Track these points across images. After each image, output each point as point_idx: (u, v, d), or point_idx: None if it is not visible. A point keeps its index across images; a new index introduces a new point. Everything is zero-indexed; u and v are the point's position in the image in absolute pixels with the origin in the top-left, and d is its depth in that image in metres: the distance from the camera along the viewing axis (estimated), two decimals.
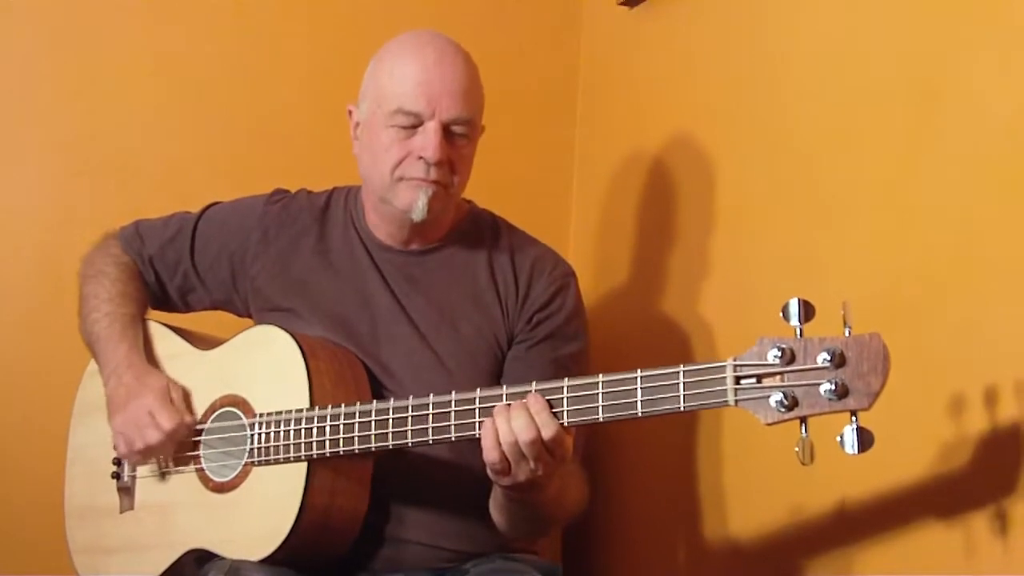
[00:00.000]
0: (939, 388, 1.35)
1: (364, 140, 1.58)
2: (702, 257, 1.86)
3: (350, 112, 1.62)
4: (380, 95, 1.54)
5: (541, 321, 1.60)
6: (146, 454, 1.54)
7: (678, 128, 1.97)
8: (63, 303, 1.74)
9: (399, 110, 1.51)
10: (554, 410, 1.27)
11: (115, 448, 1.57)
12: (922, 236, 1.42)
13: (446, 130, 1.52)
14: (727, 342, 1.77)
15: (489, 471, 1.33)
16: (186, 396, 1.58)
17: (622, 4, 2.16)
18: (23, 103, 2.05)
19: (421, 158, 1.51)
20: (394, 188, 1.54)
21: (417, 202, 1.52)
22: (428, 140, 1.50)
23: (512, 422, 1.28)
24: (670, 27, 2.05)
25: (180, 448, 1.56)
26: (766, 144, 1.74)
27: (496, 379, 1.58)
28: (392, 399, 1.41)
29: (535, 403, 1.28)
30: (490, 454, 1.30)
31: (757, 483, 1.68)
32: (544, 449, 1.28)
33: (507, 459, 1.29)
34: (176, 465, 1.57)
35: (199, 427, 1.56)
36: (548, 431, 1.27)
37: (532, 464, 1.29)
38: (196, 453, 1.55)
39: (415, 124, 1.51)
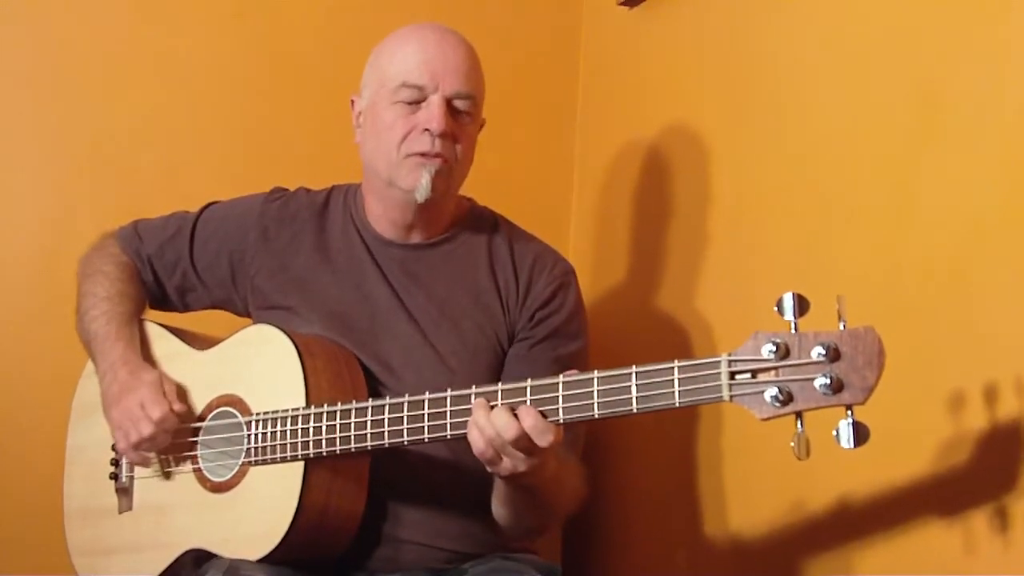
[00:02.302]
0: (939, 385, 1.34)
1: (367, 125, 1.59)
2: (702, 255, 1.85)
3: (352, 102, 1.63)
4: (383, 77, 1.56)
5: (543, 319, 1.60)
6: (141, 447, 1.53)
7: (678, 128, 1.97)
8: (63, 303, 1.74)
9: (403, 84, 1.53)
10: (549, 407, 1.27)
11: (115, 445, 1.57)
12: (922, 235, 1.42)
13: (449, 105, 1.53)
14: (727, 340, 1.77)
15: (484, 462, 1.32)
16: (180, 390, 1.57)
17: (622, 4, 2.16)
18: (23, 103, 2.05)
19: (426, 130, 1.52)
20: (400, 166, 1.54)
21: (421, 180, 1.53)
22: (432, 112, 1.52)
23: (494, 419, 1.28)
24: (670, 27, 2.05)
25: (178, 448, 1.55)
26: (766, 144, 1.74)
27: (496, 377, 1.57)
28: (388, 397, 1.41)
29: (527, 416, 1.27)
30: (476, 446, 1.30)
31: (757, 481, 1.68)
32: (532, 444, 1.27)
33: (494, 449, 1.29)
34: (174, 465, 1.57)
35: (196, 426, 1.56)
36: (544, 440, 1.27)
37: (525, 456, 1.29)
38: (194, 453, 1.55)
39: (419, 99, 1.53)
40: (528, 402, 1.28)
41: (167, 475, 1.57)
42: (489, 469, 1.33)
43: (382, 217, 1.63)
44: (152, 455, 1.56)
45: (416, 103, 1.53)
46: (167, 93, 2.12)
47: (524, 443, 1.27)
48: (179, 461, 1.56)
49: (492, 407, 1.29)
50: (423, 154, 1.53)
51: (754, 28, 1.80)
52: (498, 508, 1.51)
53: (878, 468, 1.41)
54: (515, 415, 1.27)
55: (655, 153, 2.03)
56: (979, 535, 1.28)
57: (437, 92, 1.52)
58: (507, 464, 1.30)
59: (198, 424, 1.56)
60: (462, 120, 1.55)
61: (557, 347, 1.59)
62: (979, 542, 1.28)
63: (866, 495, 1.46)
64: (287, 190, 1.73)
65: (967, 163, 1.36)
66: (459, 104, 1.54)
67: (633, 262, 2.07)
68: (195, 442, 1.55)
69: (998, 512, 1.26)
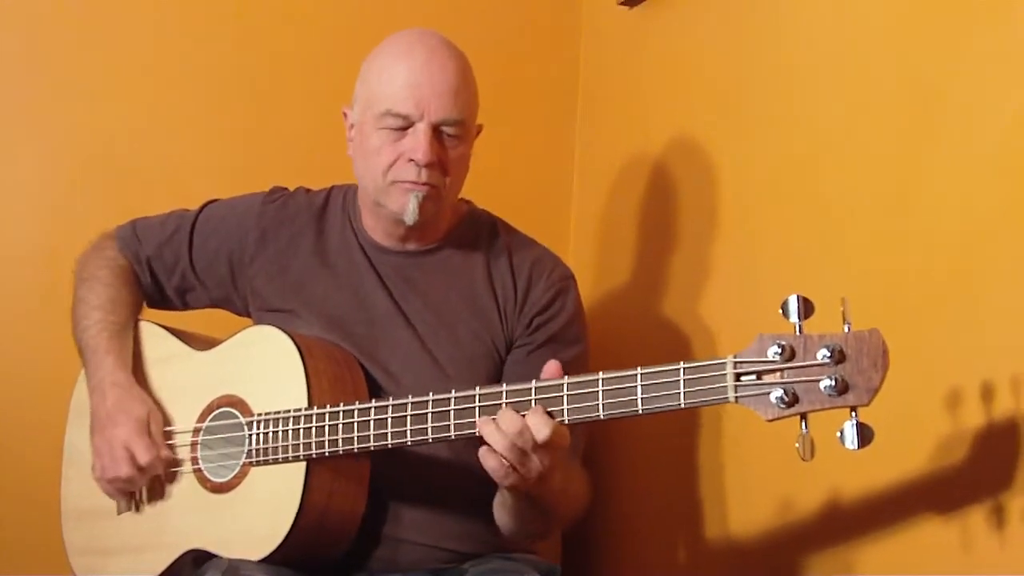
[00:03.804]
0: (937, 384, 1.35)
1: (357, 142, 1.58)
2: (702, 257, 1.86)
3: (345, 114, 1.62)
4: (370, 97, 1.54)
5: (541, 325, 1.59)
6: (116, 484, 1.54)
7: (678, 128, 1.98)
8: (63, 303, 1.73)
9: (388, 112, 1.51)
10: (554, 407, 1.27)
11: (92, 468, 1.56)
12: (922, 236, 1.42)
13: (436, 131, 1.51)
14: (728, 342, 1.77)
15: (498, 479, 1.31)
16: (166, 426, 1.57)
17: (622, 4, 2.16)
18: (22, 103, 2.05)
19: (412, 160, 1.50)
20: (387, 191, 1.54)
21: (408, 205, 1.52)
22: (418, 142, 1.49)
23: (500, 423, 1.27)
24: (670, 27, 2.05)
25: (179, 449, 1.56)
26: (767, 144, 1.74)
27: (495, 383, 1.57)
28: (391, 398, 1.41)
29: (533, 416, 1.26)
30: (488, 461, 1.29)
31: (757, 482, 1.68)
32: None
33: (508, 462, 1.28)
34: (174, 466, 1.56)
35: (197, 427, 1.56)
36: (542, 434, 1.26)
37: (535, 458, 1.28)
38: (194, 454, 1.55)
39: (405, 126, 1.51)
40: (533, 403, 1.28)
41: (167, 475, 1.57)
42: (502, 483, 1.32)
43: (376, 227, 1.63)
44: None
45: (403, 129, 1.51)
46: (167, 93, 2.11)
47: (529, 436, 1.26)
48: (179, 462, 1.56)
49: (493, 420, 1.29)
50: (411, 182, 1.51)
51: (754, 28, 1.80)
52: (502, 517, 1.51)
53: (877, 467, 1.42)
54: (520, 414, 1.27)
55: (655, 153, 2.03)
56: (976, 533, 1.29)
57: (423, 120, 1.49)
58: (523, 473, 1.29)
59: (199, 425, 1.56)
60: (450, 144, 1.53)
61: (556, 352, 1.56)
62: (976, 540, 1.29)
63: (865, 494, 1.46)
64: (286, 190, 1.73)
65: (967, 163, 1.37)
66: (447, 129, 1.52)
67: (634, 264, 2.07)
68: (195, 443, 1.55)
69: (995, 510, 1.27)
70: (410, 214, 1.52)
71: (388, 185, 1.53)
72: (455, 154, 1.54)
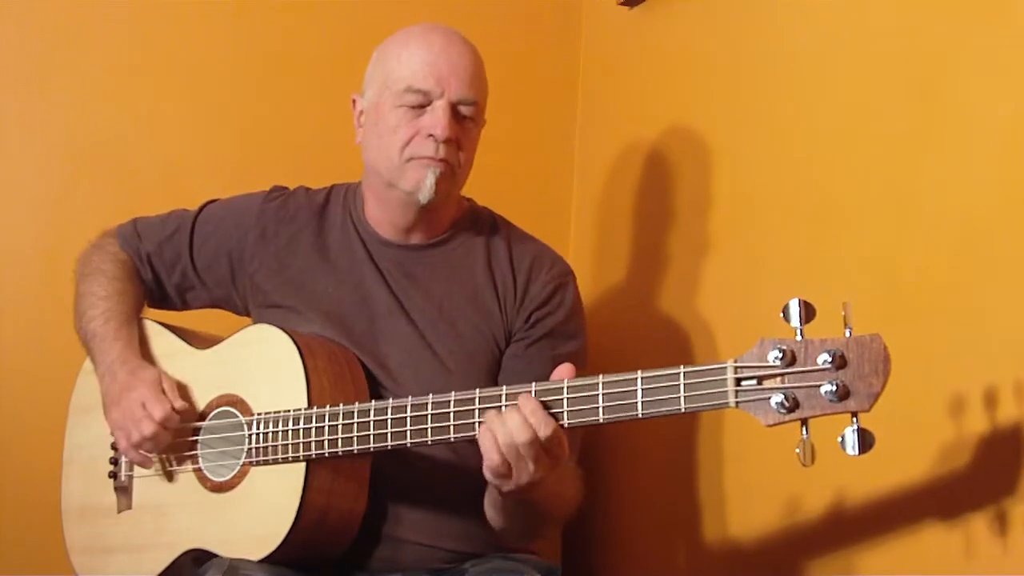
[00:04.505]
0: (939, 388, 1.35)
1: (369, 125, 1.58)
2: (703, 257, 1.86)
3: (354, 101, 1.63)
4: (388, 77, 1.55)
5: (540, 319, 1.59)
6: (143, 446, 1.53)
7: (678, 128, 1.97)
8: (63, 303, 1.74)
9: (408, 88, 1.52)
10: (554, 411, 1.27)
11: (116, 445, 1.57)
12: (922, 236, 1.42)
13: (454, 110, 1.53)
14: (728, 342, 1.78)
15: (490, 477, 1.31)
16: (180, 387, 1.57)
17: (622, 4, 2.16)
18: (23, 103, 2.05)
19: (431, 136, 1.52)
20: (402, 169, 1.54)
21: (425, 181, 1.53)
22: (437, 118, 1.51)
23: (507, 424, 1.27)
24: (670, 27, 2.05)
25: (178, 448, 1.55)
26: (767, 144, 1.74)
27: (495, 378, 1.58)
28: (391, 399, 1.41)
29: (527, 404, 1.27)
30: (491, 458, 1.29)
31: (757, 484, 1.68)
32: (542, 449, 1.27)
33: (507, 462, 1.28)
34: (174, 464, 1.57)
35: (196, 426, 1.56)
36: (545, 430, 1.26)
37: (531, 465, 1.28)
38: (194, 453, 1.55)
39: (424, 103, 1.52)
40: None
41: (167, 475, 1.57)
42: (494, 482, 1.32)
43: (382, 218, 1.63)
44: (153, 455, 1.56)
45: (421, 107, 1.53)
46: (167, 93, 2.11)
47: (536, 447, 1.26)
48: (179, 461, 1.56)
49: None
50: (428, 158, 1.52)
51: (754, 28, 1.80)
52: (493, 515, 1.51)
53: (878, 471, 1.42)
54: (524, 416, 1.26)
55: (655, 153, 2.03)
56: (979, 538, 1.29)
57: (442, 97, 1.52)
58: (515, 477, 1.29)
59: (198, 424, 1.56)
60: (466, 125, 1.55)
61: (555, 347, 1.58)
62: (979, 545, 1.29)
63: (866, 498, 1.46)
64: (286, 189, 1.73)
65: (967, 164, 1.37)
66: (463, 110, 1.54)
67: (634, 263, 2.07)
68: (195, 442, 1.55)
69: (998, 515, 1.27)
70: (426, 190, 1.53)
71: (404, 163, 1.54)
72: (470, 136, 1.56)
